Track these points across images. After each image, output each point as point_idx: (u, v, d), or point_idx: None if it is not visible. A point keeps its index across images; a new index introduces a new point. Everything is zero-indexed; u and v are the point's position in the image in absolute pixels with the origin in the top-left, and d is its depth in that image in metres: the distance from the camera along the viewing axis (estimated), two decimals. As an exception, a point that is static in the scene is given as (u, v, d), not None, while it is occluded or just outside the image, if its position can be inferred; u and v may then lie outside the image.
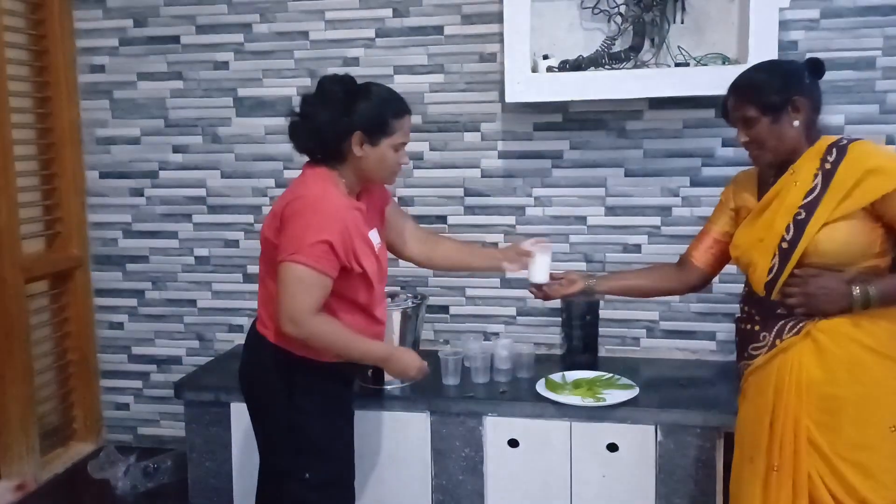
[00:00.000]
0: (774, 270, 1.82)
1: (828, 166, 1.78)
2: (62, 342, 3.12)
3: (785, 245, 1.80)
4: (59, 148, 3.03)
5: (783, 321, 1.83)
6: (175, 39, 2.99)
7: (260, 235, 2.03)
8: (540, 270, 2.17)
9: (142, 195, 3.09)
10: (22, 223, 2.81)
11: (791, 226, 1.79)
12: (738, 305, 2.79)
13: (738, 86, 1.89)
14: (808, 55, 2.04)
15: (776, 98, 1.81)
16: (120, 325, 3.18)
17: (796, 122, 1.82)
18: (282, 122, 2.90)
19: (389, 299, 2.61)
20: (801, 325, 1.80)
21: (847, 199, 1.74)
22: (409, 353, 2.08)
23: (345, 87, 1.95)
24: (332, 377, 2.05)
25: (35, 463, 2.85)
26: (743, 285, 1.99)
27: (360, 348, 1.98)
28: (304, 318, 1.85)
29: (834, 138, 1.84)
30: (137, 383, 3.21)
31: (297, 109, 1.99)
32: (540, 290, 2.22)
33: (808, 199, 1.78)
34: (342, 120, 1.91)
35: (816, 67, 1.88)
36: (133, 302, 3.16)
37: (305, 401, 2.00)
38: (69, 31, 3.02)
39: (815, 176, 1.79)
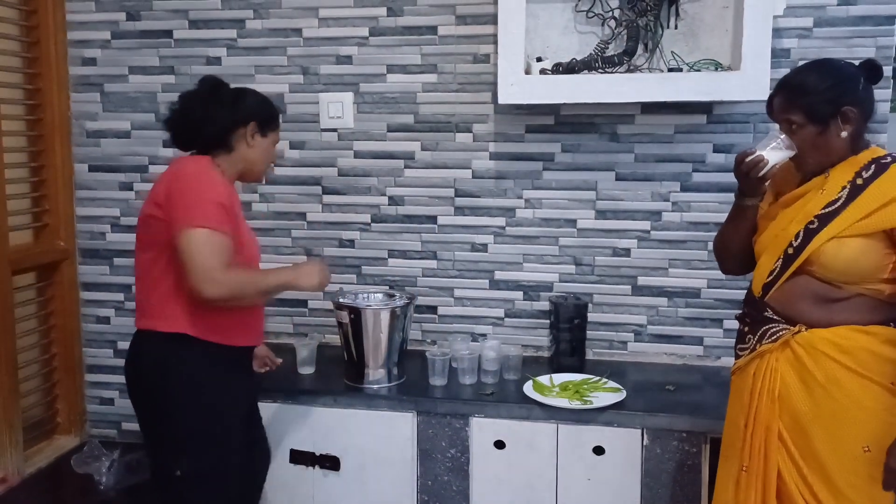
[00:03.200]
0: (775, 274, 1.80)
1: (859, 181, 1.71)
2: (47, 335, 3.10)
3: (790, 251, 1.76)
4: (48, 140, 3.00)
5: (766, 326, 1.81)
6: (168, 34, 2.97)
7: (139, 223, 2.05)
8: (774, 153, 1.80)
9: (131, 189, 3.07)
10: (9, 215, 2.79)
11: (801, 233, 1.75)
12: (725, 311, 2.81)
13: (787, 86, 1.79)
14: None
15: (826, 107, 1.72)
16: (106, 320, 3.16)
17: (844, 134, 1.73)
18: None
19: (379, 297, 2.67)
20: (780, 333, 1.78)
21: (866, 219, 1.68)
22: (308, 263, 2.41)
23: (228, 87, 2.11)
24: (224, 363, 2.05)
25: (18, 456, 2.82)
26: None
27: (272, 280, 2.04)
28: (220, 275, 1.88)
29: (881, 153, 1.76)
30: (123, 378, 3.17)
31: (175, 107, 2.10)
32: (752, 161, 1.80)
33: (827, 209, 1.72)
34: (237, 111, 2.06)
35: (874, 72, 1.77)
36: (120, 296, 3.14)
37: (183, 391, 1.96)
38: (61, 23, 3.00)
39: (843, 188, 1.72)
